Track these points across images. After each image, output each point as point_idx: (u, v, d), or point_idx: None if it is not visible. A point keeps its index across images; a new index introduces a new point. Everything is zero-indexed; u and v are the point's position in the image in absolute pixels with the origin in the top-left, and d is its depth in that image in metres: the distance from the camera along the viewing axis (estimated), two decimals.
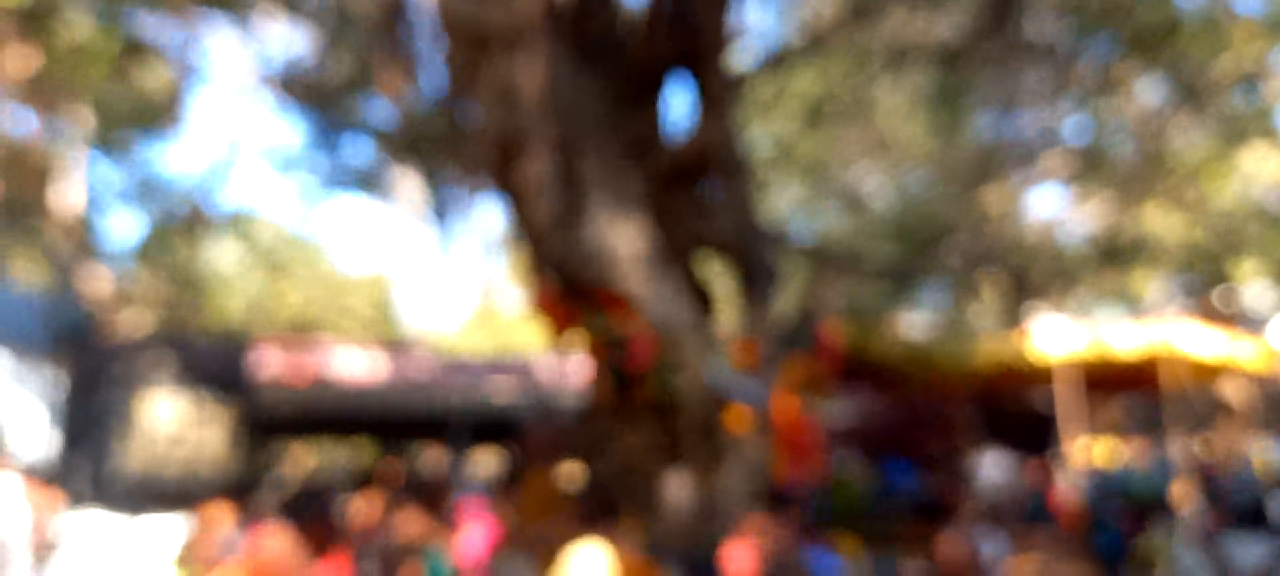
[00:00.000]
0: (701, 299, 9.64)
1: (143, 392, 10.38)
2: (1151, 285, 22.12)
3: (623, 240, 8.46)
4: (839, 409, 24.78)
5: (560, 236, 8.38)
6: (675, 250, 9.15)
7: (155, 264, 23.58)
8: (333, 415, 14.90)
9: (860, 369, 17.50)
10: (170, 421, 10.52)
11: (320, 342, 24.08)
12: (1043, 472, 15.56)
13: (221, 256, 28.15)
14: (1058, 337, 16.79)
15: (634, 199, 8.68)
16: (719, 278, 10.51)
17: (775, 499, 7.30)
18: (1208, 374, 17.65)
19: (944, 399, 19.97)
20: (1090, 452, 16.14)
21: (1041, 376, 17.74)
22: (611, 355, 8.57)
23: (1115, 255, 14.11)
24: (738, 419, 8.56)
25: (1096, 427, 19.99)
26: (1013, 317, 17.17)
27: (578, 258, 8.38)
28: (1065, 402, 16.97)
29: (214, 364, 11.05)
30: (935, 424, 20.54)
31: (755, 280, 9.89)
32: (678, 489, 8.74)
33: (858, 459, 18.13)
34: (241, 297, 28.54)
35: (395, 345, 23.89)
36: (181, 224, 22.18)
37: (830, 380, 10.83)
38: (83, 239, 18.64)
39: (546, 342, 9.40)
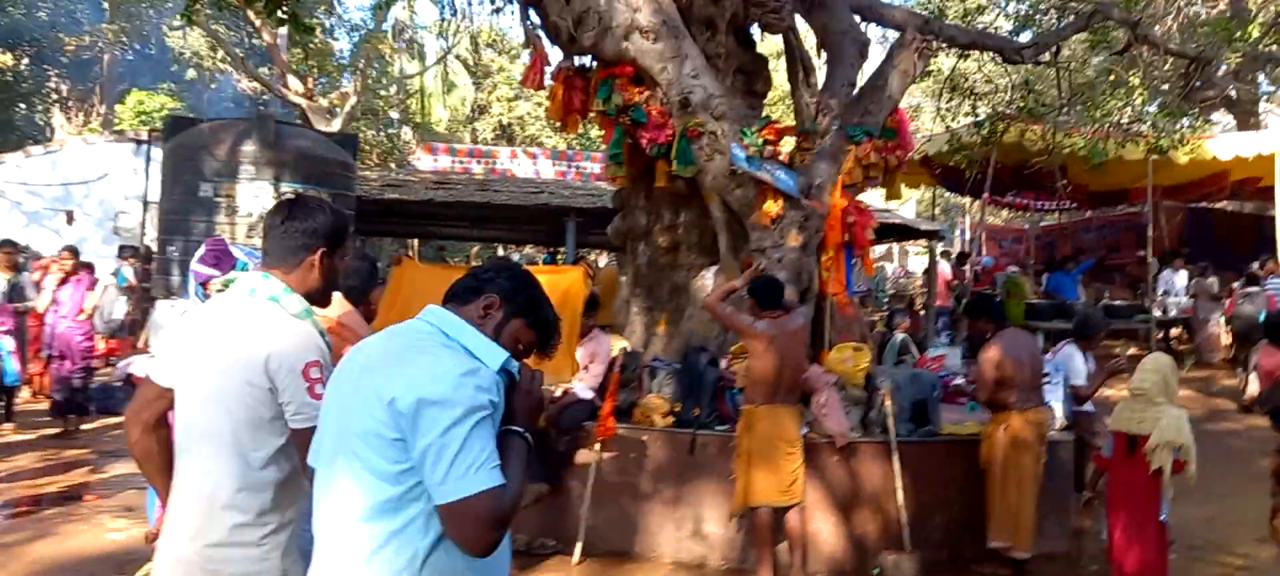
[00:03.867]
0: (746, 75, 8.39)
1: (236, 182, 10.57)
2: None
3: (633, 2, 7.39)
4: (1019, 218, 22.35)
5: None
6: (711, 17, 7.92)
7: (353, 71, 24.46)
8: (423, 212, 15.08)
9: (1026, 174, 15.28)
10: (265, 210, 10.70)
11: (484, 146, 24.30)
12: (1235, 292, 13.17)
13: (429, 62, 28.82)
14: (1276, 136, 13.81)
15: None
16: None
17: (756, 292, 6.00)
18: None
19: (1136, 207, 17.14)
20: None
21: (1256, 182, 14.79)
22: (623, 136, 7.66)
23: None
24: (773, 209, 7.43)
25: None
26: (1203, 114, 14.29)
27: (580, 23, 7.43)
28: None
29: (315, 155, 11.11)
30: (1126, 234, 17.82)
31: (836, 58, 8.48)
32: (705, 286, 7.86)
33: (1022, 271, 16.15)
34: (448, 104, 29.35)
35: (563, 149, 23.64)
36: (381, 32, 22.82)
37: (903, 173, 9.33)
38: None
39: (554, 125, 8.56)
